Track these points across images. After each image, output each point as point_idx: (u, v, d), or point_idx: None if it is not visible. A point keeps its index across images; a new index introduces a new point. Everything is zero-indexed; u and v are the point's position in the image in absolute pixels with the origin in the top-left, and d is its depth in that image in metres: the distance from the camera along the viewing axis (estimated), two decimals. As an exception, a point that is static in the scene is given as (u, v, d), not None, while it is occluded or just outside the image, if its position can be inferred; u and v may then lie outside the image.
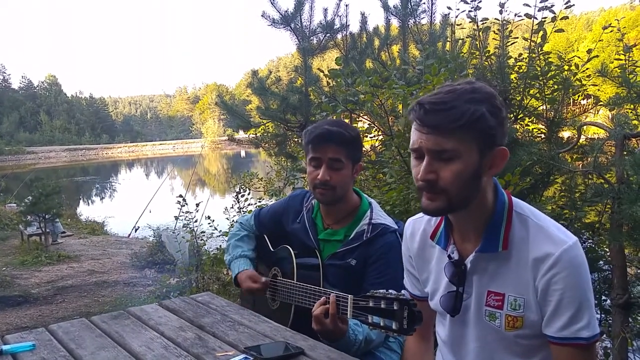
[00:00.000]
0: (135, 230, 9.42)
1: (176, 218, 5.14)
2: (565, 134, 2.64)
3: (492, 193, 1.01)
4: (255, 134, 4.71)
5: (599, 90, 2.75)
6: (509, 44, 2.49)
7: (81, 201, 18.55)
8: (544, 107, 2.45)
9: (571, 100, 2.60)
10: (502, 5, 2.42)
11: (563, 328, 0.93)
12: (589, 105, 2.77)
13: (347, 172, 1.49)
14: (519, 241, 0.98)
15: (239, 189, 4.81)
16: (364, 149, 3.34)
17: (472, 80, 0.97)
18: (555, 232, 0.96)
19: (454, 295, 1.05)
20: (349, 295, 1.15)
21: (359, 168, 1.55)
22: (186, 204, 5.02)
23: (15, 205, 10.99)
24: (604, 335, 2.14)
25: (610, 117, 2.49)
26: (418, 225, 1.16)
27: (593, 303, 0.96)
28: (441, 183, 0.93)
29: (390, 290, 1.05)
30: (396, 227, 1.51)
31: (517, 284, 0.98)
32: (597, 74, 2.30)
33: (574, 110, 2.65)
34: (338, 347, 1.28)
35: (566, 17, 2.36)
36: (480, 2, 2.48)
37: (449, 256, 1.05)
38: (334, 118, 2.74)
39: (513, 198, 1.03)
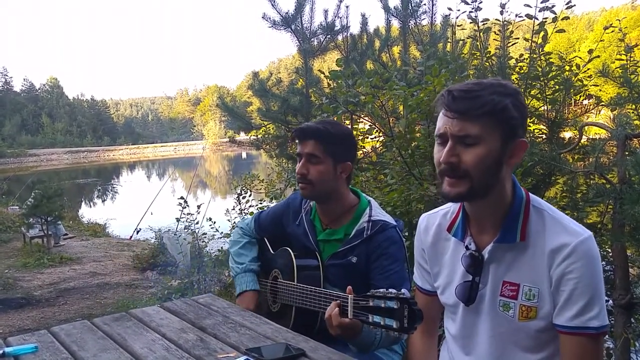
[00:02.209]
0: (137, 232, 9.43)
1: (177, 220, 5.15)
2: (567, 134, 2.64)
3: (511, 187, 1.04)
4: (256, 136, 4.72)
5: (600, 90, 2.75)
6: (510, 44, 2.49)
7: (83, 203, 18.57)
8: (545, 107, 2.45)
9: (572, 101, 2.60)
10: (502, 5, 2.43)
11: (574, 317, 0.96)
12: (590, 105, 2.77)
13: (325, 168, 1.49)
14: (536, 233, 1.00)
15: (240, 191, 4.82)
16: (365, 150, 3.36)
17: (500, 79, 1.03)
18: (571, 225, 1.00)
19: (469, 285, 1.07)
20: (349, 295, 1.15)
21: (347, 168, 1.53)
22: (187, 205, 5.03)
23: (17, 207, 11.01)
24: (606, 336, 2.13)
25: (611, 117, 2.48)
26: (433, 219, 1.18)
27: (604, 295, 0.98)
28: (463, 166, 0.97)
29: (390, 289, 1.05)
30: (395, 223, 1.52)
31: (532, 275, 1.00)
32: (598, 74, 2.30)
33: (575, 110, 2.65)
34: (360, 344, 1.29)
35: (567, 18, 2.36)
36: (480, 2, 2.49)
37: (467, 247, 1.07)
38: (334, 119, 2.74)
39: (530, 194, 1.06)
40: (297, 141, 1.56)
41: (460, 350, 1.13)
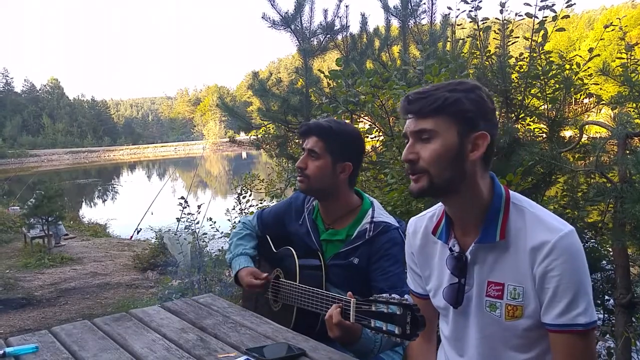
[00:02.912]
0: (138, 232, 9.43)
1: (178, 220, 5.15)
2: (567, 133, 2.63)
3: (489, 186, 1.04)
4: (256, 136, 4.71)
5: (600, 89, 2.74)
6: (510, 43, 2.48)
7: (84, 203, 18.59)
8: (546, 106, 2.45)
9: (573, 100, 2.59)
10: (502, 4, 2.42)
11: (560, 315, 0.95)
12: (590, 104, 2.76)
13: (323, 165, 1.50)
14: (516, 231, 1.00)
15: (241, 191, 4.82)
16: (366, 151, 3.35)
17: (463, 79, 1.07)
18: (551, 221, 0.99)
19: (456, 287, 1.07)
20: (352, 299, 1.15)
21: (347, 167, 1.53)
22: (188, 205, 5.03)
23: (18, 208, 11.02)
24: (607, 335, 2.13)
25: (612, 116, 2.48)
26: (420, 223, 1.18)
27: (590, 290, 0.97)
28: (421, 163, 1.00)
29: (393, 295, 1.04)
30: (398, 225, 1.52)
31: (516, 274, 0.99)
32: (598, 73, 2.29)
33: (576, 109, 2.64)
34: (359, 349, 1.28)
35: (567, 16, 2.36)
36: (480, 1, 2.48)
37: (450, 249, 1.07)
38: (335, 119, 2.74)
39: (511, 191, 1.06)
40: (301, 137, 1.59)
41: (454, 352, 1.13)
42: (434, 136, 0.98)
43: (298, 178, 1.56)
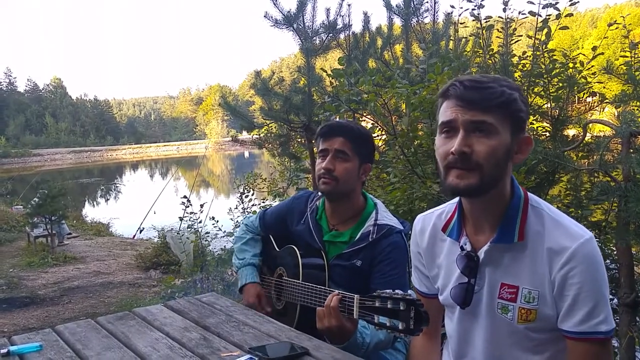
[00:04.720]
0: (140, 232, 9.44)
1: (181, 219, 5.18)
2: (571, 132, 2.63)
3: (510, 186, 1.02)
4: (259, 135, 4.72)
5: (604, 87, 2.73)
6: (513, 42, 2.48)
7: (87, 203, 18.65)
8: (549, 105, 2.44)
9: (576, 98, 2.59)
10: (505, 3, 2.41)
11: (581, 323, 0.93)
12: (594, 102, 2.75)
13: (352, 167, 1.49)
14: (535, 234, 0.98)
15: (243, 190, 4.83)
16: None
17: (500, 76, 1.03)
18: (571, 226, 0.97)
19: (465, 287, 1.04)
20: (355, 295, 1.15)
21: (367, 169, 1.54)
22: (190, 205, 5.05)
23: (21, 207, 11.07)
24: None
25: (616, 114, 2.47)
26: (428, 220, 1.16)
27: (608, 297, 0.95)
28: (475, 157, 0.93)
29: (397, 291, 1.04)
30: (402, 227, 1.51)
31: (532, 277, 0.97)
32: (602, 71, 2.29)
33: (579, 108, 2.63)
34: (346, 349, 1.28)
35: (571, 15, 2.35)
36: (483, 0, 2.48)
37: (462, 247, 1.05)
38: (337, 118, 2.74)
39: (529, 193, 1.04)
40: (320, 139, 1.53)
41: (459, 351, 1.12)
42: (493, 132, 0.93)
43: (324, 179, 1.49)
